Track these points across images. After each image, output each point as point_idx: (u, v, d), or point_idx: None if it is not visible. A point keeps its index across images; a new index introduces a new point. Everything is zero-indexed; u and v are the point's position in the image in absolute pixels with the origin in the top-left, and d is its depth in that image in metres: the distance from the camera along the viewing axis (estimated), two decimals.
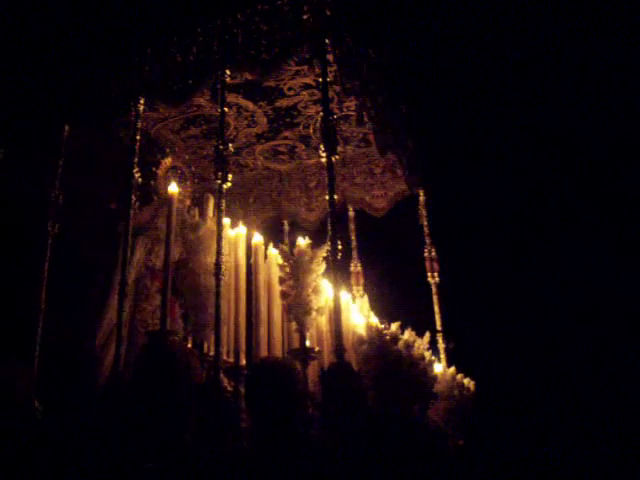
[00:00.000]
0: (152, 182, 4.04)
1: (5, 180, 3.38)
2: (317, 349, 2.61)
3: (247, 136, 4.22)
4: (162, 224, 3.68)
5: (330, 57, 2.71)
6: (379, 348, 2.54)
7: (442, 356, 3.96)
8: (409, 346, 2.62)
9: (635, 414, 4.50)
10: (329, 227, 2.35)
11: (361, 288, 4.47)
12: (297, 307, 2.59)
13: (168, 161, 4.30)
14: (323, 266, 2.63)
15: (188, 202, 4.17)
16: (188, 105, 3.71)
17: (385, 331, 2.61)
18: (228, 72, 2.82)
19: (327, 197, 2.39)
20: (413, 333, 2.86)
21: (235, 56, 2.74)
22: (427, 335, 3.10)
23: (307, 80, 3.52)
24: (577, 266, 5.02)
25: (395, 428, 2.25)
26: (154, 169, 4.14)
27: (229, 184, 2.66)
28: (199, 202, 3.76)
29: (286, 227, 4.69)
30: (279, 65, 2.80)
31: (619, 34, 4.50)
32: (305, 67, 3.18)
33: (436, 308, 4.20)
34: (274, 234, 4.53)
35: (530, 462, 4.44)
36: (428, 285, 4.30)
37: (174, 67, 2.93)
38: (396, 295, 4.68)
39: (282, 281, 2.69)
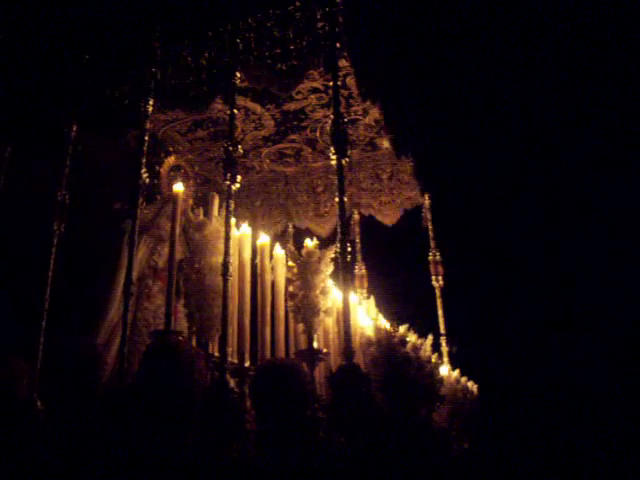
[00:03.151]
0: (155, 181, 4.03)
1: (12, 178, 3.38)
2: (325, 350, 2.60)
3: (254, 139, 4.23)
4: (165, 223, 3.68)
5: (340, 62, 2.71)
6: (387, 350, 2.54)
7: (446, 359, 3.96)
8: (416, 348, 2.62)
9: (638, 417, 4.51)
10: (338, 229, 2.35)
11: (365, 291, 4.48)
12: (305, 308, 2.58)
13: (171, 160, 4.30)
14: (331, 267, 2.63)
15: (191, 201, 4.16)
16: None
17: (393, 333, 2.60)
18: (238, 75, 2.81)
19: (337, 199, 2.39)
20: (416, 336, 2.86)
21: (249, 61, 2.74)
22: (430, 338, 3.09)
23: (316, 84, 3.54)
24: (580, 270, 5.04)
25: (403, 430, 2.24)
26: (157, 168, 4.14)
27: (238, 185, 2.66)
28: (202, 202, 3.75)
29: (291, 229, 4.69)
30: (298, 77, 2.80)
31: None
32: (314, 71, 3.19)
33: (440, 311, 4.20)
34: (280, 235, 4.54)
35: (534, 464, 4.45)
36: (432, 288, 4.32)
37: (186, 70, 2.93)
38: (400, 298, 4.68)
39: (290, 282, 2.68)
